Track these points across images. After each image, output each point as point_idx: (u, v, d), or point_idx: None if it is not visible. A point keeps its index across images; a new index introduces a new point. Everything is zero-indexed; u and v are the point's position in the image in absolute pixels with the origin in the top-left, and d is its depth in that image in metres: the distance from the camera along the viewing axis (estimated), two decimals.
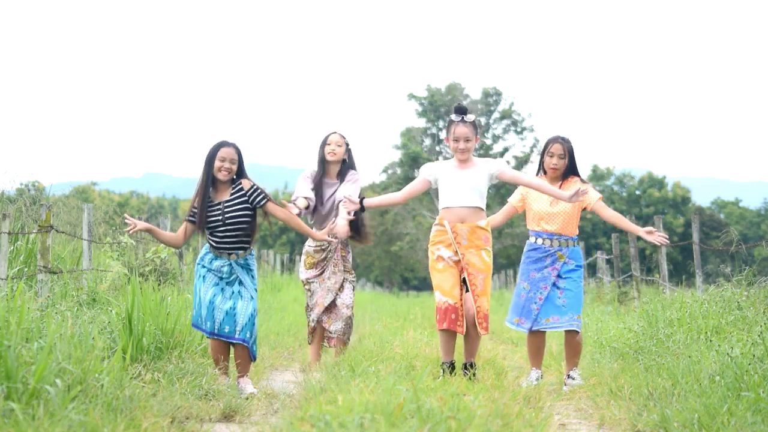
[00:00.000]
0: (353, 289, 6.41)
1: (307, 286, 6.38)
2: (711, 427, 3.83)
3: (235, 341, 5.31)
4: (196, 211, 5.37)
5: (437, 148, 43.60)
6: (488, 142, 43.71)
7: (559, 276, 5.83)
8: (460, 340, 5.83)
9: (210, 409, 4.47)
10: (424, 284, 48.90)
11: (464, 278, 5.55)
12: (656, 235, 5.81)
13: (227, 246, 5.33)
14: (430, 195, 40.69)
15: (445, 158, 41.78)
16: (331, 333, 6.34)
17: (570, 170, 5.92)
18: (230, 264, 5.33)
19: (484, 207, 5.67)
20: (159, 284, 8.20)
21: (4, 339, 3.77)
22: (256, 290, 5.39)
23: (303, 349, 8.04)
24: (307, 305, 6.39)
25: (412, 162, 41.65)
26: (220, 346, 5.37)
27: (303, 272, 6.41)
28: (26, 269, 7.54)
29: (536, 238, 5.92)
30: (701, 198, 76.68)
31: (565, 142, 5.90)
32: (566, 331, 5.82)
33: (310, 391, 4.62)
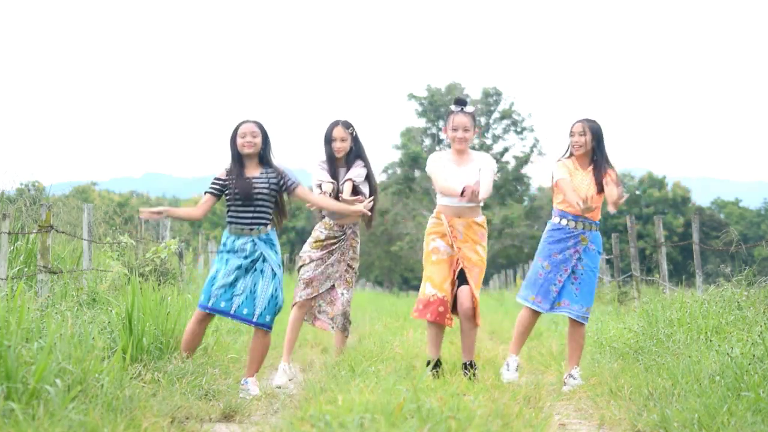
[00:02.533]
0: (352, 286, 6.38)
1: (305, 261, 6.26)
2: (711, 427, 3.83)
3: (253, 325, 5.28)
4: (219, 183, 5.39)
5: (437, 148, 43.57)
6: (488, 142, 43.68)
7: (578, 259, 5.81)
8: (456, 338, 5.84)
9: (210, 409, 4.47)
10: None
11: (460, 271, 5.58)
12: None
13: (249, 221, 5.33)
14: (430, 195, 40.69)
15: None
16: (335, 322, 6.28)
17: (600, 155, 5.81)
18: (253, 240, 5.32)
19: (480, 203, 5.70)
20: (159, 284, 8.20)
21: (4, 339, 3.78)
22: (279, 265, 5.39)
23: (303, 349, 8.04)
24: (300, 279, 6.23)
25: (412, 162, 41.62)
26: (203, 327, 5.38)
27: (307, 250, 6.28)
28: (26, 269, 7.54)
29: (561, 219, 5.85)
30: (701, 198, 76.71)
31: (588, 122, 5.85)
32: (572, 322, 5.83)
33: (310, 391, 4.62)
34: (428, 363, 5.55)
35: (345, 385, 4.43)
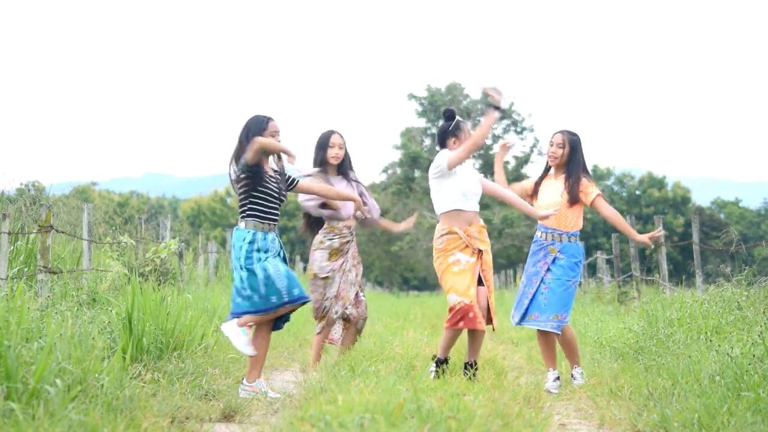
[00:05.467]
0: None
1: (323, 279, 6.16)
2: (711, 427, 3.83)
3: (300, 302, 5.25)
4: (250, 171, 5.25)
5: (437, 149, 43.52)
6: (488, 142, 43.68)
7: (548, 270, 5.83)
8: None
9: (210, 409, 4.47)
10: (424, 284, 48.89)
11: (479, 276, 5.65)
12: (649, 237, 6.03)
13: (276, 217, 5.34)
14: (430, 195, 40.68)
15: None
16: (358, 326, 6.27)
17: (574, 166, 5.87)
18: (275, 234, 5.33)
19: None
20: (159, 284, 8.21)
21: (4, 339, 3.78)
22: None
23: (303, 349, 8.04)
24: (324, 297, 6.17)
25: (412, 162, 41.61)
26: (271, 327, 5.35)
27: (323, 264, 6.16)
28: (26, 269, 7.54)
29: (538, 231, 5.98)
30: (701, 198, 76.69)
31: (567, 134, 5.92)
32: (548, 333, 5.82)
33: (310, 391, 4.62)
34: (434, 357, 5.63)
35: (345, 385, 4.43)
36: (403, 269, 46.53)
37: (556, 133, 5.96)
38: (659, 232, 6.26)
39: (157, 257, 9.33)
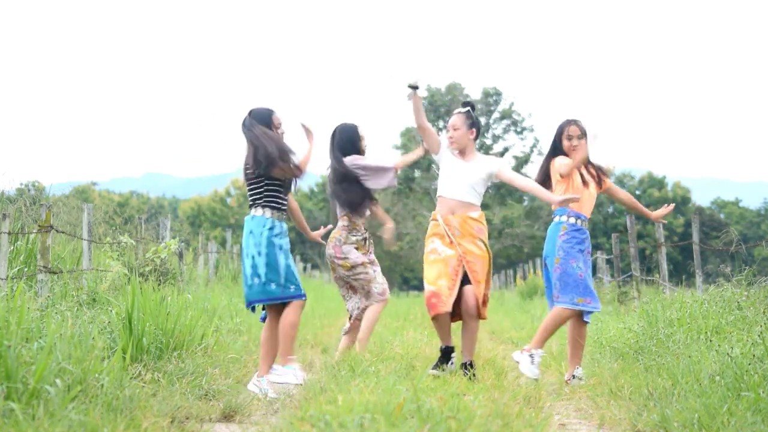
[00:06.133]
0: None
1: (369, 266, 6.25)
2: (711, 427, 3.83)
3: (299, 298, 5.34)
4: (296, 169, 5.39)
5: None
6: (488, 142, 43.69)
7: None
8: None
9: (210, 409, 4.48)
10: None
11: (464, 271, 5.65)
12: (663, 213, 6.18)
13: (286, 208, 5.45)
14: (430, 194, 40.66)
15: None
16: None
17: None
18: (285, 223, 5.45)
19: (478, 203, 5.82)
20: (159, 284, 8.20)
21: (4, 339, 3.78)
22: None
23: (303, 349, 8.04)
24: (378, 281, 6.23)
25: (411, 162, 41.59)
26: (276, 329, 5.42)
27: (358, 255, 6.24)
28: (26, 269, 7.54)
29: (578, 220, 5.82)
30: (701, 198, 76.69)
31: (580, 123, 5.92)
32: (578, 322, 5.85)
33: (310, 391, 4.62)
34: (441, 348, 5.71)
35: (345, 385, 4.43)
36: (403, 269, 46.51)
37: (569, 126, 5.89)
38: (670, 207, 6.31)
39: (157, 257, 9.33)
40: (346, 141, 6.33)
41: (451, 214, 5.72)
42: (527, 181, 5.84)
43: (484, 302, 5.74)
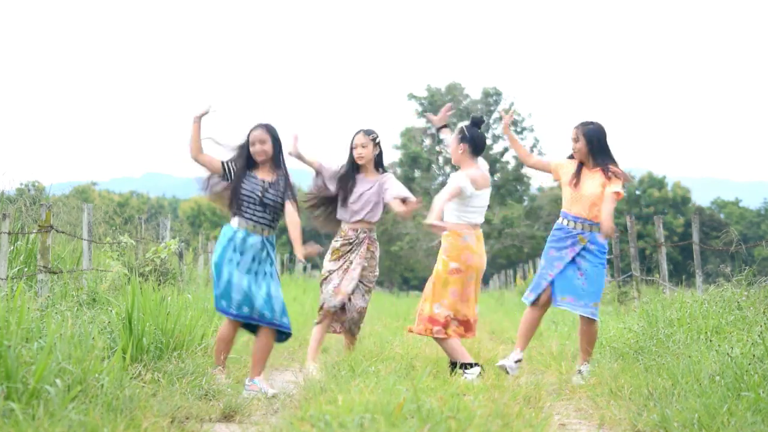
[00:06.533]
0: (369, 291, 6.44)
1: (325, 275, 6.36)
2: (711, 427, 3.83)
3: (274, 326, 5.32)
4: (231, 169, 5.43)
5: (437, 148, 43.58)
6: (488, 142, 43.68)
7: (578, 255, 5.89)
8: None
9: (210, 409, 4.47)
10: (424, 284, 48.90)
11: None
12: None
13: (264, 221, 5.39)
14: (430, 194, 40.60)
15: (445, 158, 41.83)
16: (345, 326, 6.39)
17: (601, 156, 5.90)
18: (263, 240, 5.36)
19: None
20: (159, 284, 8.20)
21: (4, 339, 3.78)
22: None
23: (303, 349, 8.03)
24: (328, 290, 6.30)
25: (412, 162, 41.64)
26: (231, 335, 5.43)
27: (327, 265, 6.38)
28: (26, 269, 7.54)
29: (563, 219, 5.97)
30: (701, 198, 76.66)
31: (581, 126, 5.95)
32: (582, 318, 5.91)
33: (310, 391, 4.62)
34: (466, 365, 5.81)
35: (345, 385, 4.43)
36: (403, 269, 46.48)
37: (573, 128, 6.00)
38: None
39: (157, 257, 9.33)
40: None
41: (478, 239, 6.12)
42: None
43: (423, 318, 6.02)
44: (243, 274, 5.29)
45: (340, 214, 6.41)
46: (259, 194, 5.38)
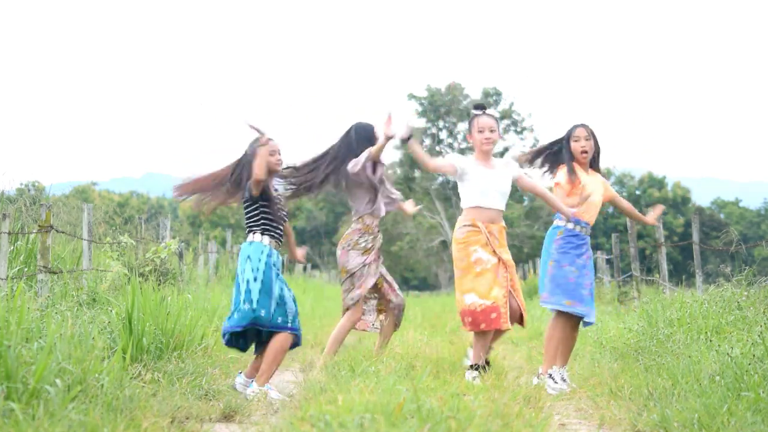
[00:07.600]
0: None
1: (359, 271, 6.21)
2: (711, 427, 3.83)
3: (288, 331, 5.18)
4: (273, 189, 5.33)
5: (437, 148, 43.59)
6: None
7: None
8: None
9: (210, 409, 4.47)
10: (425, 284, 48.91)
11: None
12: (655, 216, 6.28)
13: (281, 239, 5.35)
14: (430, 194, 40.62)
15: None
16: (395, 313, 6.40)
17: (597, 159, 5.91)
18: (278, 254, 5.34)
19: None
20: (159, 284, 8.21)
21: (4, 339, 3.78)
22: None
23: (303, 349, 8.03)
24: (352, 287, 6.21)
25: (412, 162, 41.61)
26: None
27: (357, 258, 6.20)
28: (26, 269, 7.54)
29: (576, 225, 5.77)
30: (701, 198, 76.66)
31: (586, 126, 5.90)
32: (575, 326, 5.84)
33: (310, 391, 4.62)
34: (477, 366, 5.63)
35: (345, 385, 4.43)
36: (403, 269, 46.50)
37: (577, 128, 5.85)
38: (661, 207, 6.40)
39: (157, 257, 9.33)
40: (364, 140, 6.29)
41: (491, 223, 5.72)
42: (545, 191, 5.80)
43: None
44: (283, 284, 5.24)
45: (366, 208, 6.27)
46: (286, 213, 5.39)
